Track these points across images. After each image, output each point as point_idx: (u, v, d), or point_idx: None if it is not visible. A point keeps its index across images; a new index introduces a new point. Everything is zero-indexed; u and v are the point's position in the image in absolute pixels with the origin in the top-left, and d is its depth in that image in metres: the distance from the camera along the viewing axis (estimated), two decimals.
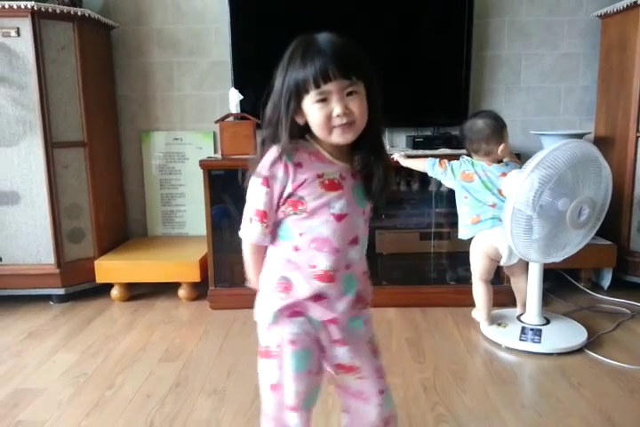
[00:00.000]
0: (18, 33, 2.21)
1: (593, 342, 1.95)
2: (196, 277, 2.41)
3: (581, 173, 1.70)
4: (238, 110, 2.34)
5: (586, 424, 1.47)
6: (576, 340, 1.93)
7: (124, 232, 2.83)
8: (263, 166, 0.94)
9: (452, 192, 2.09)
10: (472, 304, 2.10)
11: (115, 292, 2.47)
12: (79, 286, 2.47)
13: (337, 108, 0.90)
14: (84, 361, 1.90)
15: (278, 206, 0.97)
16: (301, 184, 0.94)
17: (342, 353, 1.03)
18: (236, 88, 2.37)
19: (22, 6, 2.17)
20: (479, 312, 2.08)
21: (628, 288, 2.44)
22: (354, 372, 1.05)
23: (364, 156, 0.98)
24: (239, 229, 1.01)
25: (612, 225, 2.38)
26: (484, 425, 1.48)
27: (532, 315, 2.01)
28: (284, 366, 0.99)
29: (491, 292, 2.05)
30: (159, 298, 2.51)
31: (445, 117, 2.63)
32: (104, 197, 2.57)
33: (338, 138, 0.93)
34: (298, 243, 0.97)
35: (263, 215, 0.96)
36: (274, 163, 0.93)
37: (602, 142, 2.55)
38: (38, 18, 2.21)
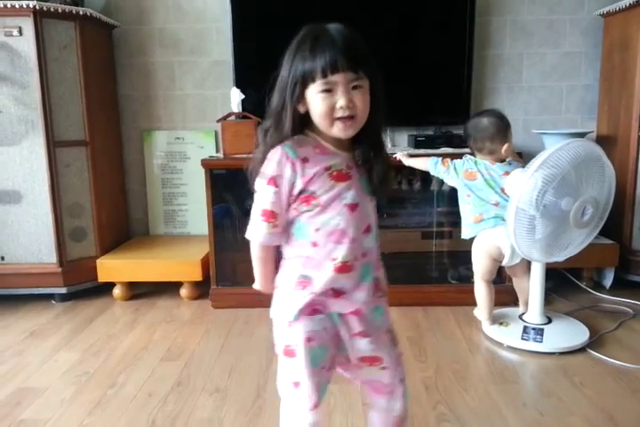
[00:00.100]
0: (20, 32, 2.21)
1: (595, 342, 1.95)
2: (198, 277, 2.41)
3: (585, 172, 1.69)
4: (240, 109, 2.34)
5: (588, 423, 1.47)
6: (578, 339, 1.92)
7: (125, 231, 2.84)
8: (269, 166, 0.94)
9: (453, 191, 2.09)
10: (474, 303, 2.10)
11: (116, 291, 2.47)
12: (81, 285, 2.48)
13: (341, 100, 0.91)
14: (86, 360, 1.90)
15: (289, 205, 0.97)
16: (311, 178, 0.94)
17: (364, 345, 1.04)
18: (237, 87, 2.37)
19: (24, 5, 2.17)
20: (481, 311, 2.08)
21: (631, 287, 2.43)
22: (378, 363, 1.06)
23: (365, 150, 0.98)
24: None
25: (615, 224, 2.38)
26: (486, 424, 1.48)
27: (534, 314, 2.01)
28: (302, 362, 1.00)
29: (492, 292, 2.04)
30: (161, 297, 2.51)
31: (447, 117, 2.64)
32: (106, 196, 2.58)
33: (339, 132, 0.94)
34: (316, 239, 0.97)
35: (270, 215, 0.96)
36: (280, 161, 0.93)
37: (604, 141, 2.55)
38: (40, 17, 2.21)
